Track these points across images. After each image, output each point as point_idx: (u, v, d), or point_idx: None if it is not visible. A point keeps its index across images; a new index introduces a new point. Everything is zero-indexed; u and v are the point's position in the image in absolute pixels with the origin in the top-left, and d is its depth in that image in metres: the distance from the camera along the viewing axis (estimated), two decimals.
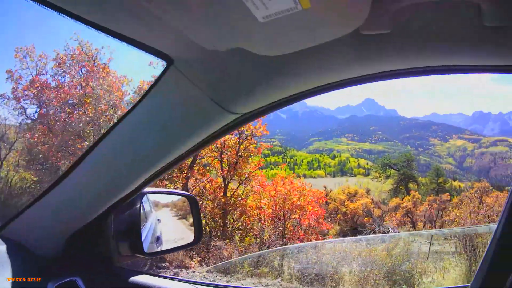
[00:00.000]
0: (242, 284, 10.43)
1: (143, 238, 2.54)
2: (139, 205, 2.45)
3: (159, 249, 2.95)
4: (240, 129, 17.61)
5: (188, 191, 17.03)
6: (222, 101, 1.79)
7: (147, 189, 2.53)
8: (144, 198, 2.76)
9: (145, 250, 2.51)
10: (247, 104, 1.90)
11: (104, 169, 2.11)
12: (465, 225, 13.42)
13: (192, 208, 2.94)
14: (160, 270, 11.78)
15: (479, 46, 1.51)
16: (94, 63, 19.93)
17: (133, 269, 2.74)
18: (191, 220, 2.92)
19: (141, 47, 1.62)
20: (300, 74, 1.73)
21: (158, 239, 3.07)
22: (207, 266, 12.62)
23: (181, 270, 11.81)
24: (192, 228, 2.87)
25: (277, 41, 1.38)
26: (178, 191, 3.22)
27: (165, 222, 3.35)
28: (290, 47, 1.43)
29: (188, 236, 2.89)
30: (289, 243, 15.44)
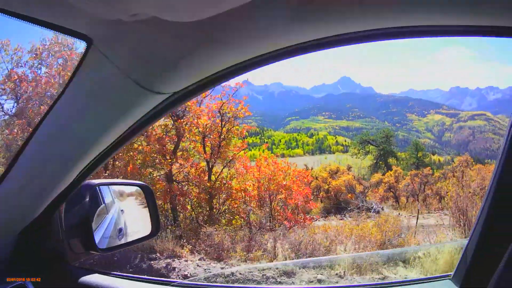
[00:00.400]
0: (237, 271, 10.28)
1: (102, 231, 2.52)
2: (87, 198, 2.25)
3: (121, 242, 2.81)
4: (222, 111, 17.45)
5: (172, 177, 16.82)
6: (145, 81, 1.65)
7: (96, 181, 2.43)
8: (105, 190, 2.77)
9: (104, 245, 2.48)
10: (175, 82, 1.76)
11: (39, 162, 1.96)
12: (458, 199, 13.34)
13: (147, 198, 2.80)
14: (152, 262, 11.57)
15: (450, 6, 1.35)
16: (71, 52, 19.47)
17: (86, 267, 2.60)
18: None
19: (58, 29, 1.49)
20: (229, 43, 1.54)
21: (120, 231, 2.98)
22: (199, 254, 12.43)
23: (173, 260, 11.61)
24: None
25: (191, 3, 1.21)
26: (131, 181, 3.08)
27: (130, 213, 3.19)
28: (207, 9, 1.27)
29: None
30: (277, 224, 15.34)
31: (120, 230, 2.94)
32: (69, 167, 1.95)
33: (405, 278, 10.33)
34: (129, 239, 2.83)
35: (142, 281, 2.64)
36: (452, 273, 2.31)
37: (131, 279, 2.63)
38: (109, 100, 1.73)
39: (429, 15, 1.40)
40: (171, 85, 1.73)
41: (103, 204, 2.70)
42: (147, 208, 2.72)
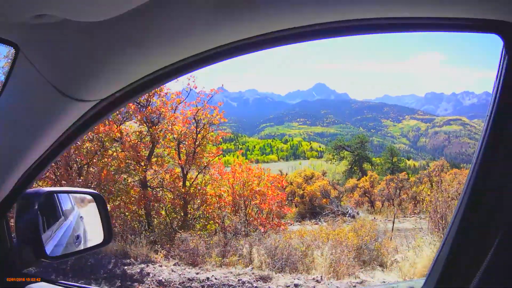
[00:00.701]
0: (213, 276, 10.22)
1: (57, 238, 2.46)
2: (36, 206, 2.17)
3: (74, 250, 2.74)
4: (197, 118, 17.38)
5: (147, 183, 16.71)
6: (68, 88, 1.59)
7: (46, 189, 2.32)
8: (64, 196, 2.76)
9: (59, 252, 2.43)
10: (100, 88, 1.69)
11: None
12: (437, 204, 13.44)
13: (99, 207, 2.75)
14: (126, 267, 11.44)
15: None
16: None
17: (34, 275, 2.55)
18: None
19: None
20: (150, 47, 1.51)
21: (77, 238, 2.90)
22: (173, 259, 12.34)
23: (147, 265, 11.49)
24: None
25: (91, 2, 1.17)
26: (82, 189, 3.06)
27: (89, 219, 3.14)
28: (110, 8, 1.22)
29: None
30: (252, 229, 15.31)
31: (78, 237, 2.90)
32: (3, 176, 1.90)
33: (377, 283, 10.40)
34: (79, 247, 2.81)
35: None
36: (423, 279, 2.29)
37: None
38: (36, 110, 1.69)
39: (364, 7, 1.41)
40: (96, 92, 1.69)
41: (61, 211, 2.67)
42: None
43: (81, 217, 3.03)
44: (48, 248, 2.24)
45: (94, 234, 2.85)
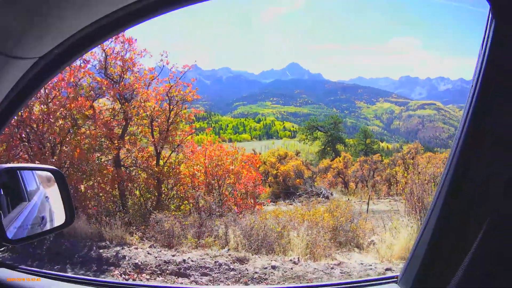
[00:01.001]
0: (189, 258, 10.02)
1: (21, 220, 2.34)
2: None
3: (37, 231, 2.53)
4: (170, 94, 17.12)
5: (120, 162, 16.38)
6: (2, 44, 1.46)
7: (5, 166, 2.24)
8: (28, 175, 2.61)
9: (24, 234, 2.32)
10: (36, 44, 1.56)
11: None
12: (413, 186, 13.44)
13: (59, 185, 2.56)
14: (101, 250, 11.17)
15: None
16: None
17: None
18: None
19: None
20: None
21: (42, 219, 2.66)
22: (149, 241, 12.12)
23: (123, 248, 11.24)
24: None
25: None
26: (41, 165, 2.81)
27: (56, 199, 2.90)
28: None
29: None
30: (226, 209, 15.15)
31: (43, 218, 2.67)
32: None
33: (355, 264, 10.33)
34: (40, 230, 2.60)
35: (47, 277, 2.47)
36: (399, 274, 2.16)
37: (37, 274, 2.46)
38: None
39: None
40: (31, 48, 1.53)
41: (25, 191, 2.44)
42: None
43: (46, 197, 2.80)
44: (11, 231, 2.13)
45: (59, 215, 2.64)
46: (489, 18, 1.63)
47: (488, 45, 1.65)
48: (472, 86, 1.74)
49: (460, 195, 1.86)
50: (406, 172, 19.28)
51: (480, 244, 1.76)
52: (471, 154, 1.81)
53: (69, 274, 9.18)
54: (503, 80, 1.66)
